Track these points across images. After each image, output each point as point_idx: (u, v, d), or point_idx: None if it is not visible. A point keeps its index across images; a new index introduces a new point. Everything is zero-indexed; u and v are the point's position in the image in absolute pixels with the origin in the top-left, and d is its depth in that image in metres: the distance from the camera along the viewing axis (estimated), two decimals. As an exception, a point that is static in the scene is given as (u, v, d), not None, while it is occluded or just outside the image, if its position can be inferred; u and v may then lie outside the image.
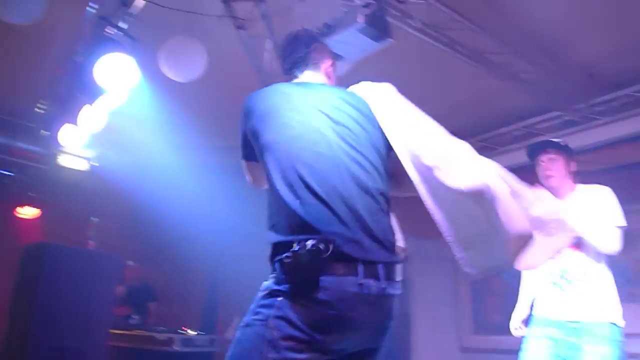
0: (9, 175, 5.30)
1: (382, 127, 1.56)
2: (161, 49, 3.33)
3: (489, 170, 1.47)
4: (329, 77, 1.74)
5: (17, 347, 3.30)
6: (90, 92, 3.41)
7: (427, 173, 1.47)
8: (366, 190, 1.43)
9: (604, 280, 2.48)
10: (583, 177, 2.72)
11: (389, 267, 1.40)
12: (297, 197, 1.36)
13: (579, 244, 2.48)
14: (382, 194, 1.48)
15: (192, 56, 3.33)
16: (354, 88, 1.68)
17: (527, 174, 2.87)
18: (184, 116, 4.38)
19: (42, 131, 4.90)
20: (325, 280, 1.28)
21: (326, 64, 1.74)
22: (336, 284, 1.29)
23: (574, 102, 4.43)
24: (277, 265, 1.34)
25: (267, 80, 3.50)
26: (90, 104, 3.59)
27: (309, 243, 1.28)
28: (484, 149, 5.31)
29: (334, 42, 2.31)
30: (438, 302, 5.46)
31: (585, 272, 2.47)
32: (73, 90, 3.67)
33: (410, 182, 1.49)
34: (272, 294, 1.32)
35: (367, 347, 1.42)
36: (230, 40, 3.39)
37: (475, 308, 5.41)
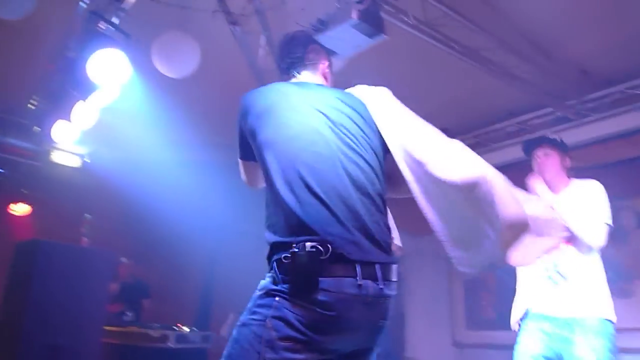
0: (0, 172, 5.26)
1: (379, 128, 1.57)
2: (154, 45, 3.31)
3: (482, 161, 1.47)
4: (326, 78, 1.75)
5: (9, 345, 3.28)
6: (83, 88, 3.39)
7: (419, 171, 1.47)
8: (364, 191, 1.43)
9: (596, 275, 2.51)
10: (575, 173, 2.76)
11: (386, 267, 1.40)
12: (296, 197, 1.36)
13: (571, 238, 2.51)
14: (379, 194, 1.48)
15: (185, 52, 3.31)
16: (351, 90, 1.68)
17: (521, 170, 2.90)
18: (177, 112, 4.37)
19: (34, 127, 4.87)
20: (325, 281, 1.29)
21: (323, 65, 1.75)
22: (335, 285, 1.30)
23: (567, 98, 4.45)
24: (275, 264, 1.33)
25: (261, 76, 3.49)
26: (84, 100, 3.57)
27: (308, 245, 1.29)
28: (477, 145, 5.32)
29: (328, 37, 2.31)
30: (432, 298, 5.49)
31: (577, 267, 2.51)
32: (65, 86, 3.65)
33: (405, 183, 1.50)
34: (269, 293, 1.32)
35: (362, 347, 1.43)
36: (224, 35, 3.38)
37: (469, 304, 5.44)
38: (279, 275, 1.32)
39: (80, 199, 5.04)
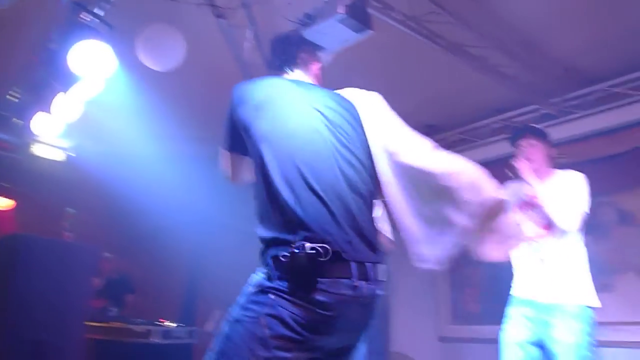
0: (-20, 165, 5.17)
1: (367, 131, 1.58)
2: (139, 37, 3.27)
3: (455, 157, 1.50)
4: (317, 79, 1.76)
5: (-10, 340, 3.24)
6: (65, 79, 3.33)
7: (392, 162, 1.49)
8: (356, 190, 1.44)
9: (577, 262, 2.59)
10: (558, 168, 2.83)
11: (376, 267, 1.42)
12: (295, 194, 1.36)
13: (549, 225, 2.60)
14: (370, 193, 1.50)
15: (170, 45, 3.29)
16: (343, 92, 1.69)
17: (505, 166, 2.93)
18: (162, 106, 4.32)
19: (14, 119, 4.78)
20: (323, 282, 1.29)
21: (315, 66, 1.77)
22: (333, 286, 1.30)
23: (551, 96, 4.50)
24: (270, 261, 1.33)
25: (247, 70, 3.47)
26: (65, 92, 3.52)
27: (308, 246, 1.28)
28: (462, 142, 5.37)
29: (314, 32, 2.29)
30: (417, 293, 5.53)
31: (559, 254, 2.59)
32: (47, 78, 3.59)
33: (380, 186, 1.52)
34: (264, 290, 1.31)
35: (348, 344, 1.44)
36: (210, 29, 3.35)
37: (454, 298, 5.49)
38: (275, 273, 1.31)
39: (63, 193, 4.97)
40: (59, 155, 5.21)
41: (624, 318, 4.04)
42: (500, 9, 3.54)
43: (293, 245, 1.29)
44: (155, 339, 3.98)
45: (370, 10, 2.61)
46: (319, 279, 1.28)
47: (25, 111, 4.34)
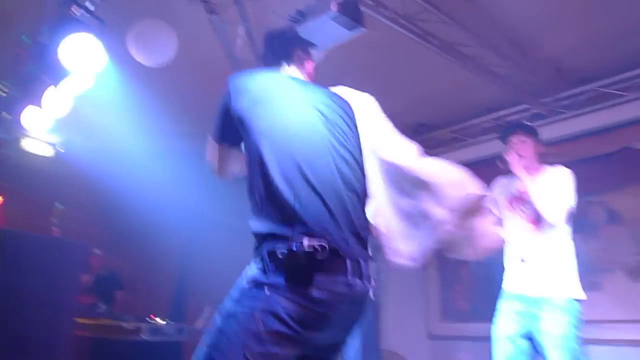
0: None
1: (360, 130, 1.60)
2: (130, 33, 3.25)
3: (438, 161, 1.53)
4: (310, 78, 1.76)
5: (-23, 337, 3.21)
6: (54, 73, 3.30)
7: (378, 160, 1.52)
8: (351, 188, 1.46)
9: (565, 256, 2.65)
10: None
11: (368, 265, 1.43)
12: (294, 189, 1.36)
13: (537, 219, 2.67)
14: (363, 191, 1.51)
15: (162, 40, 3.26)
16: (337, 89, 1.69)
17: (496, 165, 2.96)
18: (153, 102, 4.29)
19: (3, 114, 4.73)
20: (319, 278, 1.29)
21: (309, 64, 1.77)
22: (329, 282, 1.30)
23: (541, 96, 4.53)
24: (266, 255, 1.32)
25: (239, 67, 3.45)
26: (55, 86, 3.48)
27: (306, 243, 1.28)
28: (454, 140, 5.38)
29: (307, 29, 2.29)
30: (407, 291, 5.54)
31: (547, 248, 2.65)
32: (37, 72, 3.55)
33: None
34: (259, 285, 1.30)
35: (337, 341, 1.45)
36: (202, 25, 3.33)
37: (443, 296, 5.51)
38: (271, 267, 1.30)
39: (52, 189, 4.93)
40: (48, 151, 5.16)
41: (612, 316, 4.08)
42: (492, 8, 3.55)
43: (291, 241, 1.29)
44: (145, 336, 3.96)
45: (363, 8, 2.61)
46: (315, 275, 1.28)
47: (14, 105, 4.29)
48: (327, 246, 1.30)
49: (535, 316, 2.58)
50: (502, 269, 2.87)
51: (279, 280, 1.28)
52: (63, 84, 3.43)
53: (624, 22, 3.66)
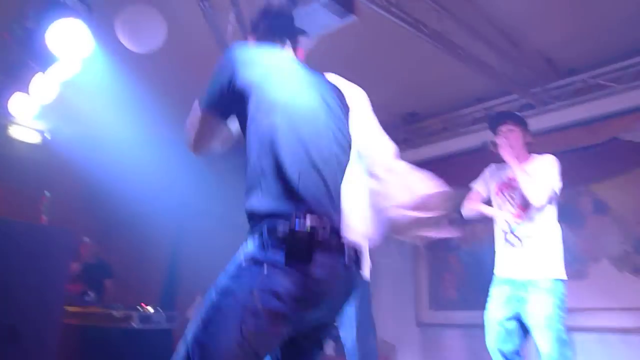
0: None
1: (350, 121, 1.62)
2: (118, 18, 3.20)
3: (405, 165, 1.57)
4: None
5: (-35, 325, 3.18)
6: (42, 59, 3.25)
7: (356, 151, 1.56)
8: (344, 172, 1.48)
9: (550, 238, 2.75)
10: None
11: (360, 248, 1.44)
12: (299, 167, 1.35)
13: (526, 205, 2.75)
14: (349, 175, 1.53)
15: (150, 26, 3.22)
16: (330, 77, 1.68)
17: (487, 155, 2.98)
18: (141, 88, 4.25)
19: (-11, 100, 4.66)
20: (319, 257, 1.29)
21: (300, 52, 1.75)
22: (328, 262, 1.31)
23: (531, 86, 4.54)
24: (265, 233, 1.30)
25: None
26: (43, 72, 3.43)
27: (309, 220, 1.28)
28: (444, 130, 5.40)
29: (297, 16, 2.26)
30: (397, 279, 5.59)
31: (533, 230, 2.75)
32: (23, 58, 3.49)
33: None
34: (258, 262, 1.28)
35: (327, 321, 1.46)
36: (191, 10, 3.29)
37: (433, 284, 5.56)
38: (271, 245, 1.28)
39: (40, 176, 4.88)
40: (35, 138, 5.10)
41: (596, 304, 4.15)
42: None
43: (293, 218, 1.28)
44: (134, 324, 3.96)
45: (354, -4, 2.59)
46: (316, 254, 1.28)
47: (1, 92, 4.22)
48: (328, 226, 1.31)
49: (522, 299, 2.69)
50: (491, 258, 2.93)
51: (279, 257, 1.27)
52: (51, 70, 3.38)
53: (613, 14, 3.68)
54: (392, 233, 1.54)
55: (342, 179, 1.47)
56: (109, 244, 5.50)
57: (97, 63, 3.47)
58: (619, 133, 4.29)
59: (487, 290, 2.92)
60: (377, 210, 1.51)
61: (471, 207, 2.97)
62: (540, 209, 2.73)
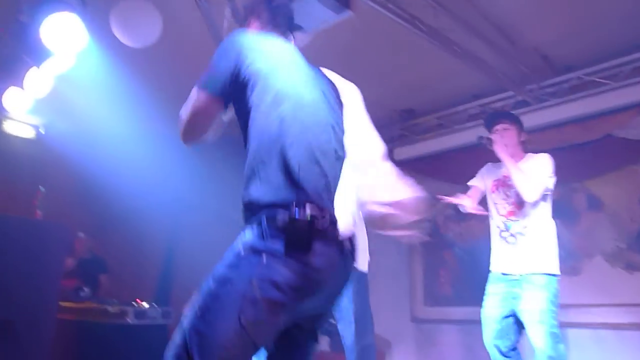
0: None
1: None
2: (113, 12, 3.18)
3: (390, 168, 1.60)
4: None
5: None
6: (36, 53, 3.23)
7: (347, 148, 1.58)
8: (340, 167, 1.51)
9: (545, 234, 2.79)
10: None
11: (355, 241, 1.46)
12: (300, 157, 1.36)
13: (521, 202, 2.79)
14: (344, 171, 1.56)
15: (146, 21, 3.20)
16: (325, 72, 1.69)
17: (482, 151, 2.99)
18: (136, 82, 4.23)
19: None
20: (318, 246, 1.29)
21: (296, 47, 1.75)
22: (326, 251, 1.32)
23: (527, 83, 4.55)
24: (264, 222, 1.29)
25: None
26: (37, 67, 3.41)
27: (308, 210, 1.29)
28: (440, 127, 5.40)
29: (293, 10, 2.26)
30: (392, 275, 5.60)
31: (527, 226, 2.79)
32: (17, 52, 3.47)
33: None
34: (256, 252, 1.28)
35: (323, 311, 1.47)
36: (187, 5, 3.27)
37: (428, 280, 5.57)
38: (270, 234, 1.28)
39: (34, 171, 4.86)
40: (29, 133, 5.07)
41: (591, 300, 4.18)
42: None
43: (293, 207, 1.28)
44: (130, 320, 3.95)
45: (350, -9, 2.58)
46: (315, 243, 1.29)
47: (-7, 86, 4.19)
48: (327, 215, 1.32)
49: (517, 295, 2.74)
50: (486, 255, 2.96)
51: (278, 246, 1.27)
52: (45, 64, 3.36)
53: (609, 12, 3.69)
54: (369, 226, 1.59)
55: (340, 173, 1.48)
56: (104, 239, 5.48)
57: (91, 57, 3.45)
58: (613, 130, 4.31)
59: (482, 287, 2.94)
60: (359, 204, 1.54)
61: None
62: (533, 205, 2.76)
